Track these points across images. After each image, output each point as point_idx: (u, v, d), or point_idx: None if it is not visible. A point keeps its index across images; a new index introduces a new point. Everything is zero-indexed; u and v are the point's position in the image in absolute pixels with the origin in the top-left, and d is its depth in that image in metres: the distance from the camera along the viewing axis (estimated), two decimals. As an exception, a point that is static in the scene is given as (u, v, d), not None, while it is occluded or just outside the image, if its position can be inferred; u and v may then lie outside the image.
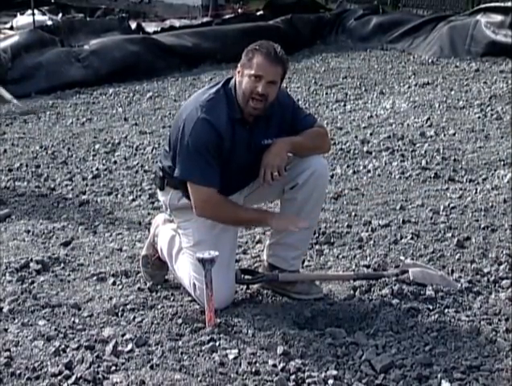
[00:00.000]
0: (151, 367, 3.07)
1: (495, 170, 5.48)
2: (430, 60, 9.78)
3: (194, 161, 3.42)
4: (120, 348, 3.21)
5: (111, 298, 3.72)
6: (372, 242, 4.31)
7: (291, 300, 3.65)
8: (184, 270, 3.65)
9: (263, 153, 3.50)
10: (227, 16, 12.14)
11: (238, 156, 3.50)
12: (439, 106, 7.37)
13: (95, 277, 3.97)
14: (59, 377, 3.01)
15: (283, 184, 3.59)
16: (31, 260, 4.16)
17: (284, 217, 3.57)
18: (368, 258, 4.08)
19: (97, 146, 6.49)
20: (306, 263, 4.03)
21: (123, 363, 3.11)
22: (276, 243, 3.72)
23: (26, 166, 6.02)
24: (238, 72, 3.46)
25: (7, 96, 6.19)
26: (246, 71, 3.41)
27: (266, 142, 3.52)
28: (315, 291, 3.70)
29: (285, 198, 3.65)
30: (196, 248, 3.53)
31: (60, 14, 12.30)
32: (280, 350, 3.15)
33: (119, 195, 5.34)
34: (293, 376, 2.99)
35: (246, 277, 3.72)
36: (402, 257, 4.07)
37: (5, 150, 6.46)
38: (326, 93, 8.25)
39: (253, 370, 3.03)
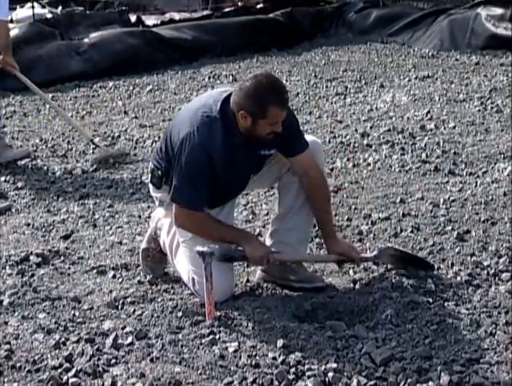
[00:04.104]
0: (151, 360, 3.08)
1: (495, 163, 5.47)
2: (430, 53, 9.76)
3: (184, 185, 3.45)
4: (120, 341, 3.22)
5: (111, 291, 3.72)
6: (372, 235, 4.32)
7: (291, 293, 3.65)
8: (183, 265, 3.66)
9: (263, 161, 3.60)
10: (227, 9, 12.12)
11: (239, 170, 3.54)
12: (439, 99, 7.36)
13: (95, 270, 3.98)
14: (59, 370, 3.02)
15: (280, 170, 3.63)
16: (31, 253, 4.16)
17: (260, 248, 3.53)
18: (368, 251, 4.08)
19: (96, 139, 6.48)
20: (307, 254, 4.03)
21: (123, 356, 3.12)
22: (278, 229, 3.74)
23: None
24: (245, 117, 3.37)
25: (88, 134, 6.09)
26: (262, 122, 3.37)
27: (263, 152, 3.56)
28: (317, 280, 3.72)
29: (283, 183, 3.69)
30: (192, 241, 3.54)
31: (60, 7, 12.27)
32: (280, 343, 3.16)
33: (119, 189, 5.34)
34: (293, 369, 2.99)
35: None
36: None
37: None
38: (326, 86, 8.24)
39: (253, 363, 3.04)
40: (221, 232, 3.56)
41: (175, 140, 3.49)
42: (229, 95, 3.47)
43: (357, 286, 3.69)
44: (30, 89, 6.39)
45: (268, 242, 3.82)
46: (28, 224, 4.66)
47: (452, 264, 3.89)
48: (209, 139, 3.41)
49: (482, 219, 4.46)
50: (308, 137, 3.82)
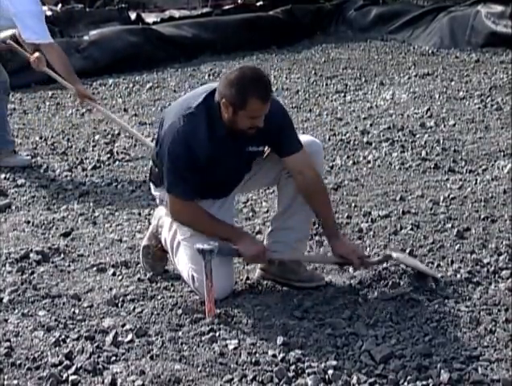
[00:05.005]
0: (151, 358, 3.08)
1: (495, 161, 5.48)
2: (430, 51, 9.76)
3: (172, 175, 3.45)
4: (120, 339, 3.22)
5: (111, 289, 3.73)
6: (372, 233, 4.32)
7: (291, 290, 3.66)
8: (183, 262, 3.66)
9: (252, 158, 3.58)
10: (227, 6, 12.10)
11: (227, 164, 3.51)
12: (439, 97, 7.36)
13: (95, 268, 3.98)
14: (59, 367, 3.02)
15: (279, 170, 3.62)
16: (31, 250, 4.16)
17: (254, 246, 3.54)
18: (368, 249, 4.09)
19: (96, 137, 6.49)
20: (305, 254, 4.03)
21: (123, 354, 3.12)
22: (276, 229, 3.73)
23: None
24: (226, 107, 3.34)
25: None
26: (242, 113, 3.33)
27: (250, 149, 3.53)
28: (318, 278, 3.71)
29: (282, 182, 3.68)
30: (192, 239, 3.54)
31: (60, 5, 12.25)
32: (280, 340, 3.16)
33: (119, 186, 5.34)
34: (293, 367, 2.99)
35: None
36: (401, 248, 4.07)
37: (4, 141, 6.45)
38: (326, 84, 8.24)
39: (253, 360, 3.04)
40: (216, 227, 3.54)
41: (162, 133, 3.51)
42: (215, 89, 3.45)
43: (357, 284, 3.69)
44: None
45: (267, 241, 3.82)
46: (28, 222, 4.66)
47: (452, 262, 3.89)
48: (191, 132, 3.38)
49: (482, 216, 4.46)
50: (308, 138, 3.80)
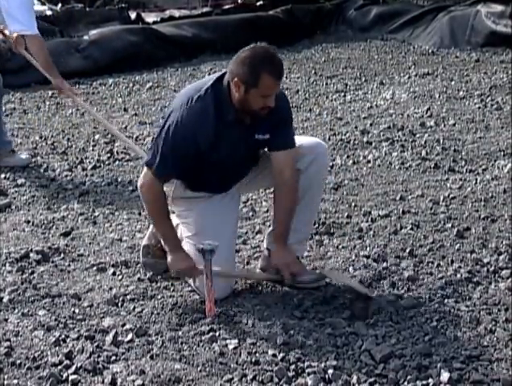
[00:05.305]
0: (151, 357, 3.08)
1: (495, 161, 5.48)
2: (430, 50, 9.76)
3: (160, 151, 3.39)
4: (120, 338, 3.22)
5: (111, 288, 3.73)
6: (372, 232, 4.32)
7: (291, 290, 3.65)
8: (185, 260, 3.65)
9: (259, 146, 3.54)
10: (227, 6, 12.10)
11: (232, 151, 3.48)
12: (439, 96, 7.36)
13: (95, 268, 3.98)
14: (59, 367, 3.03)
15: None
16: (31, 250, 4.16)
17: (185, 263, 3.50)
18: (368, 248, 4.09)
19: (96, 137, 6.49)
20: (306, 253, 4.03)
21: (123, 353, 3.12)
22: None
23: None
24: (238, 86, 3.32)
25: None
26: (253, 91, 3.30)
27: (257, 137, 3.50)
28: (318, 279, 3.70)
29: None
30: (196, 237, 3.54)
31: (60, 4, 12.25)
32: (280, 340, 3.16)
33: (119, 186, 5.34)
34: (293, 366, 3.00)
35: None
36: (401, 247, 4.07)
37: (4, 141, 6.45)
38: (326, 84, 8.23)
39: (253, 360, 3.04)
40: (159, 225, 3.54)
41: (166, 115, 3.47)
42: (225, 73, 3.45)
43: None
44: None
45: (266, 241, 3.82)
46: (28, 221, 4.66)
47: (452, 262, 3.89)
48: (198, 115, 3.35)
49: (482, 216, 4.47)
50: (313, 140, 3.78)
